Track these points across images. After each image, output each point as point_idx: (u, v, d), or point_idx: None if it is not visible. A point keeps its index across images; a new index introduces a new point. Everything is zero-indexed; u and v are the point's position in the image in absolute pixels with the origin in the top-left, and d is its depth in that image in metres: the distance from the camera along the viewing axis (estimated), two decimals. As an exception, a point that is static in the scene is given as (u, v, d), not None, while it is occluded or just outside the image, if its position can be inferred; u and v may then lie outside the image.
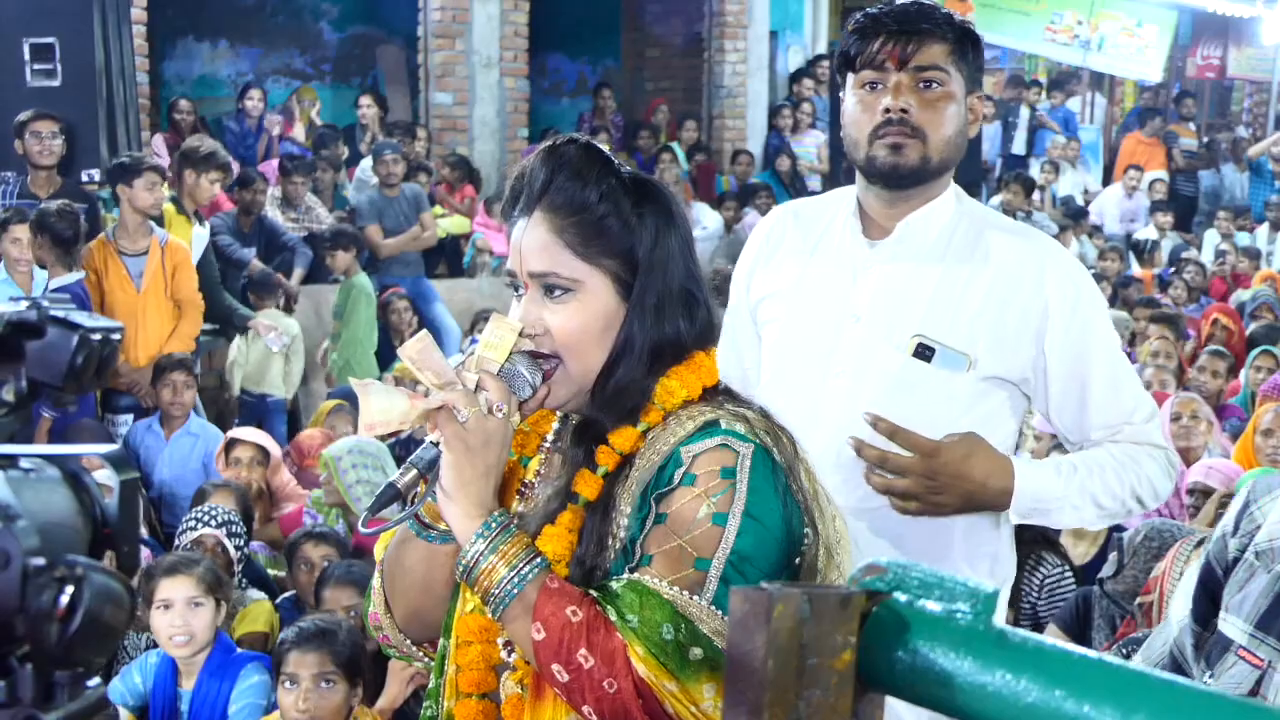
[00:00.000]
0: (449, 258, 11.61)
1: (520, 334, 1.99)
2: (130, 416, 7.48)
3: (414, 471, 1.95)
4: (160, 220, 8.08)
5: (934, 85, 2.87)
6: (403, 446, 6.31)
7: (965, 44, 2.91)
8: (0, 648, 1.01)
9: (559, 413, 2.15)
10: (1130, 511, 2.94)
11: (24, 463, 1.10)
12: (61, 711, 1.03)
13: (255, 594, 5.22)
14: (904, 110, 2.85)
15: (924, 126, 2.85)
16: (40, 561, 1.00)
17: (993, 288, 2.86)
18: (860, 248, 2.96)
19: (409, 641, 2.20)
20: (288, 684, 4.03)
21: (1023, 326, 2.85)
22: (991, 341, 2.85)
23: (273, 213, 10.43)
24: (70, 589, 1.00)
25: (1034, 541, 5.13)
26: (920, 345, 2.85)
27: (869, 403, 2.78)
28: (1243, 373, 8.44)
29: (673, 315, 2.05)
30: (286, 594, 5.42)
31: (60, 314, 1.11)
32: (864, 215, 2.99)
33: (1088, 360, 2.88)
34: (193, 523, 5.16)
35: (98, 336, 1.13)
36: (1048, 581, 5.12)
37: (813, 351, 2.94)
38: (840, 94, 3.02)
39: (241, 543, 5.21)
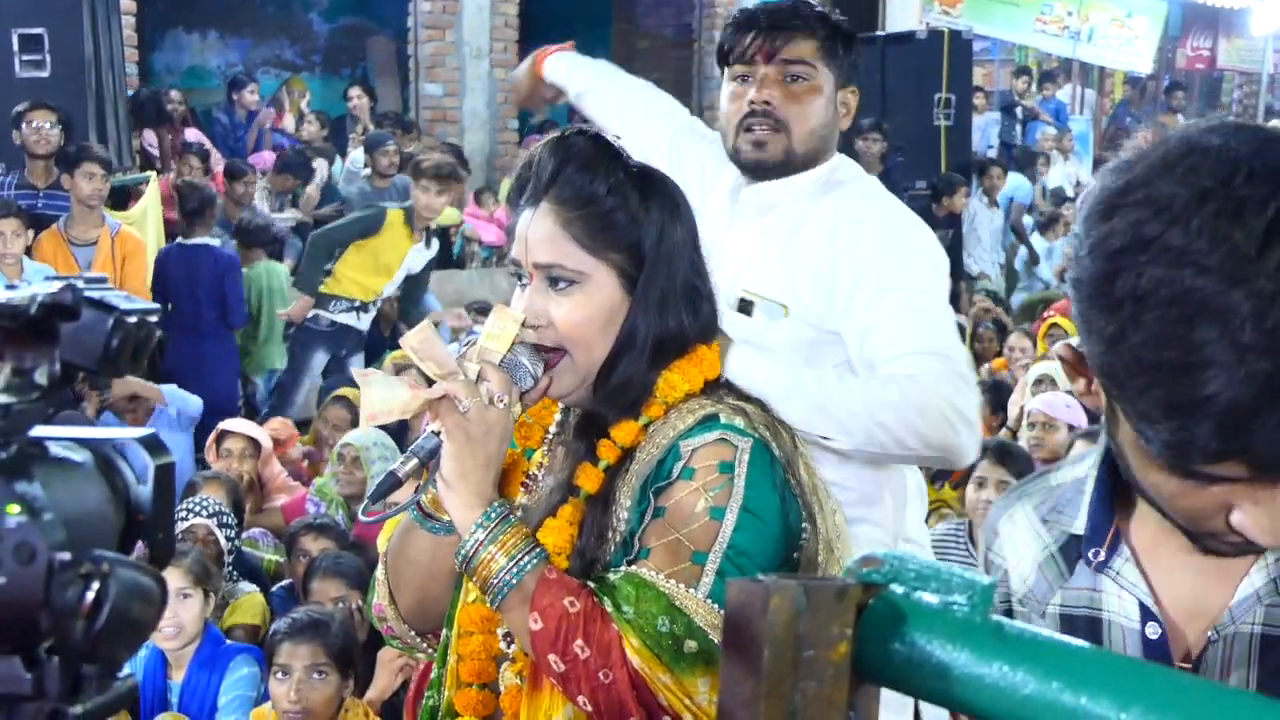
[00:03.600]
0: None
1: (523, 325, 1.99)
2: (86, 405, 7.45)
3: (415, 460, 1.95)
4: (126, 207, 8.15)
5: (800, 79, 2.96)
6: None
7: (836, 41, 2.99)
8: (26, 642, 1.00)
9: (561, 404, 2.15)
10: (883, 445, 2.66)
11: (55, 448, 1.09)
12: (89, 704, 1.02)
13: (246, 586, 5.21)
14: (767, 102, 2.94)
15: (788, 119, 2.95)
16: (66, 556, 0.99)
17: (801, 239, 2.90)
18: (725, 217, 3.04)
19: (413, 632, 2.20)
20: (280, 675, 4.03)
21: (819, 274, 2.85)
22: (801, 290, 2.86)
23: (262, 204, 10.45)
24: (96, 585, 0.99)
25: None
26: (741, 300, 2.91)
27: None
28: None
29: (676, 309, 2.05)
30: (282, 584, 5.41)
31: (95, 295, 1.10)
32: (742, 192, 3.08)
33: (869, 303, 2.77)
34: (183, 513, 5.14)
35: (134, 319, 1.12)
36: None
37: None
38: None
39: (232, 534, 5.19)
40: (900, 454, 2.73)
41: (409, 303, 8.95)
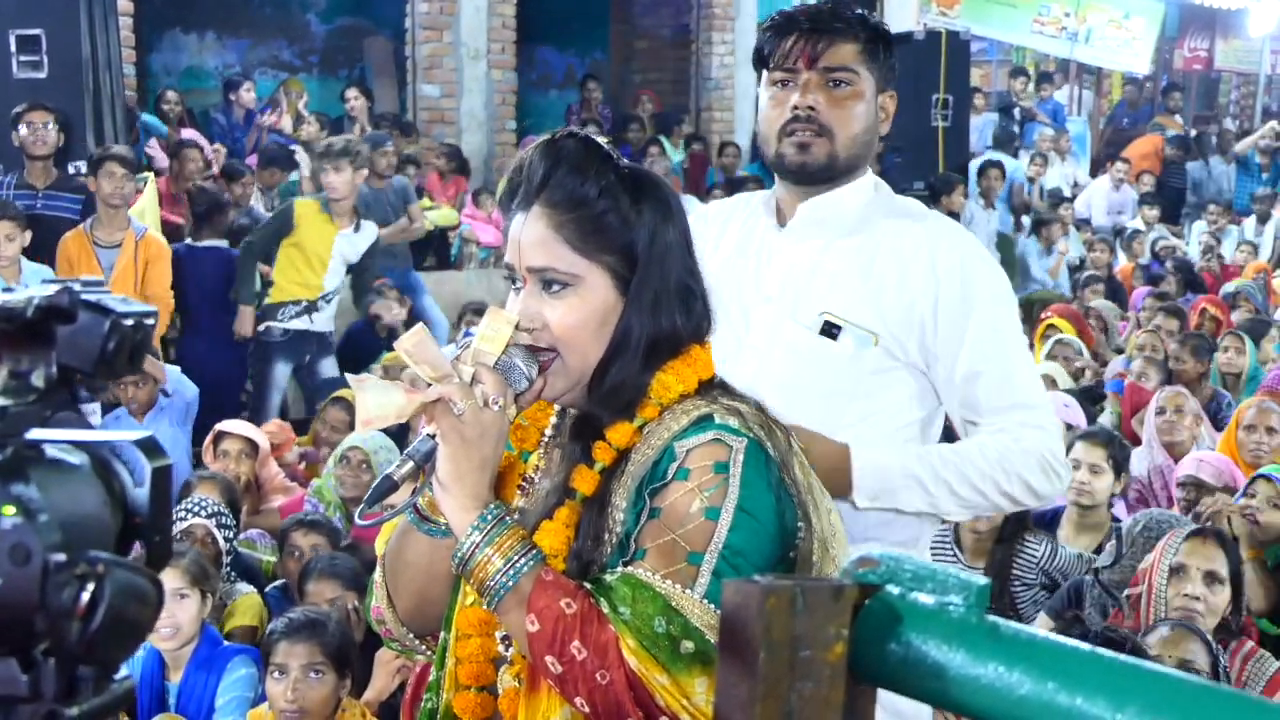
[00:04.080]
0: (437, 250, 11.60)
1: (517, 327, 1.99)
2: (98, 406, 7.45)
3: (411, 463, 1.95)
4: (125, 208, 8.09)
5: (843, 85, 2.91)
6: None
7: (877, 44, 2.96)
8: (22, 643, 1.00)
9: (556, 406, 2.15)
10: (999, 506, 2.94)
11: (51, 450, 1.09)
12: (85, 706, 1.02)
13: (244, 587, 5.20)
14: (811, 108, 2.90)
15: (831, 124, 2.91)
16: (61, 557, 0.99)
17: (889, 270, 2.89)
18: (770, 233, 3.01)
19: (412, 635, 2.20)
20: (276, 674, 4.03)
21: (913, 310, 2.87)
22: (891, 321, 2.87)
23: (255, 203, 10.47)
24: (91, 586, 0.99)
25: (1013, 536, 5.14)
26: (827, 323, 2.89)
27: (776, 378, 2.76)
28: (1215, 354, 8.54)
29: (669, 310, 2.05)
30: (275, 583, 5.41)
31: (92, 298, 1.10)
32: (778, 208, 3.05)
33: (974, 349, 2.87)
34: (182, 513, 5.13)
35: (130, 321, 1.12)
36: (1043, 560, 5.14)
37: (725, 333, 2.76)
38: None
39: (230, 534, 5.19)
40: (1010, 509, 3.01)
41: (358, 291, 8.99)
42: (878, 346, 2.87)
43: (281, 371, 8.52)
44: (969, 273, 2.90)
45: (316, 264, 8.39)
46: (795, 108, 2.90)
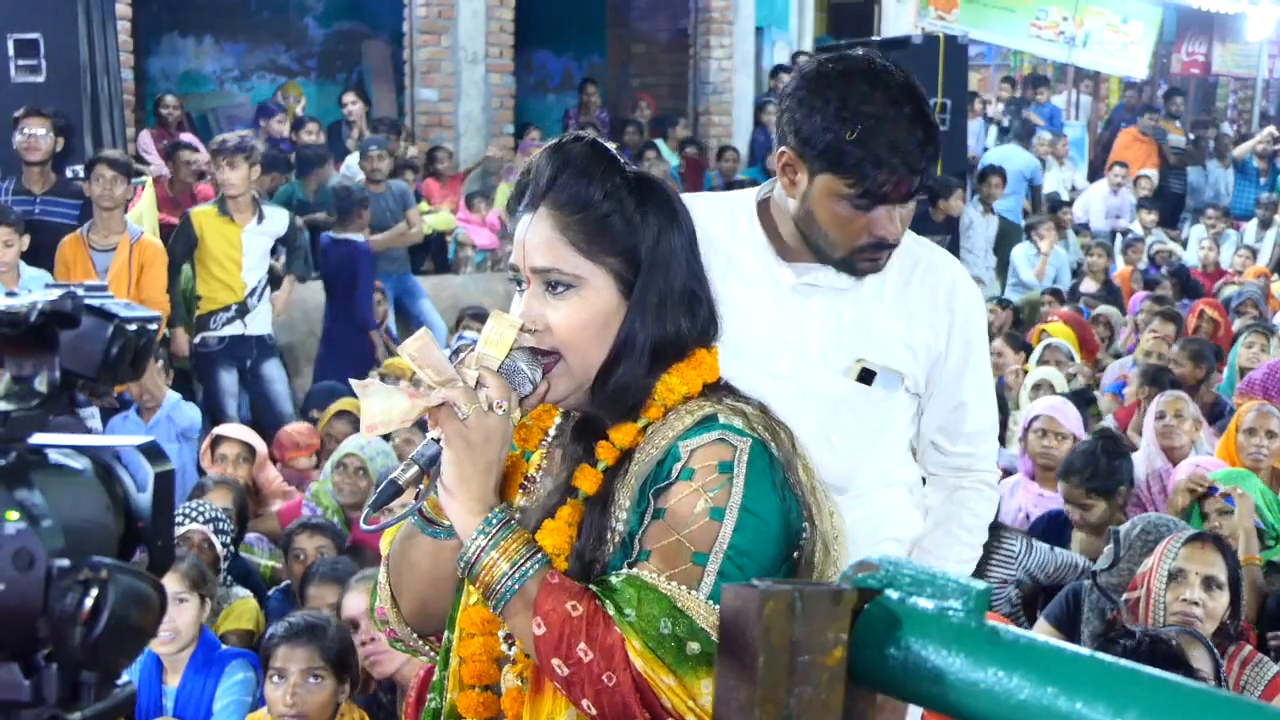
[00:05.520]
0: (435, 254, 11.60)
1: (520, 330, 2.00)
2: (95, 410, 7.46)
3: (415, 468, 1.96)
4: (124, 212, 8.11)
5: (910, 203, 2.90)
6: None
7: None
8: (25, 648, 1.00)
9: (560, 408, 2.16)
10: (978, 553, 3.20)
11: (54, 456, 1.09)
12: (87, 711, 1.02)
13: (241, 591, 5.21)
14: (896, 239, 2.88)
15: (898, 237, 2.90)
16: (64, 563, 0.99)
17: (916, 312, 2.99)
18: (777, 268, 2.97)
19: (415, 635, 2.21)
20: (276, 679, 4.02)
21: (932, 348, 3.01)
22: (917, 361, 3.01)
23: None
24: (94, 591, 0.99)
25: (990, 533, 5.15)
26: (864, 370, 2.98)
27: (812, 425, 2.71)
28: (1231, 353, 8.52)
29: (674, 314, 2.06)
30: (278, 586, 5.41)
31: (95, 303, 1.10)
32: (770, 231, 2.99)
33: (968, 382, 3.06)
34: (180, 518, 5.14)
35: (133, 327, 1.12)
36: (1020, 556, 5.16)
37: (746, 372, 2.49)
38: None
39: (229, 540, 5.19)
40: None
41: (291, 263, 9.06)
42: (903, 386, 3.01)
43: (227, 379, 8.54)
44: (972, 312, 3.06)
45: (231, 266, 8.43)
46: (879, 236, 2.85)
